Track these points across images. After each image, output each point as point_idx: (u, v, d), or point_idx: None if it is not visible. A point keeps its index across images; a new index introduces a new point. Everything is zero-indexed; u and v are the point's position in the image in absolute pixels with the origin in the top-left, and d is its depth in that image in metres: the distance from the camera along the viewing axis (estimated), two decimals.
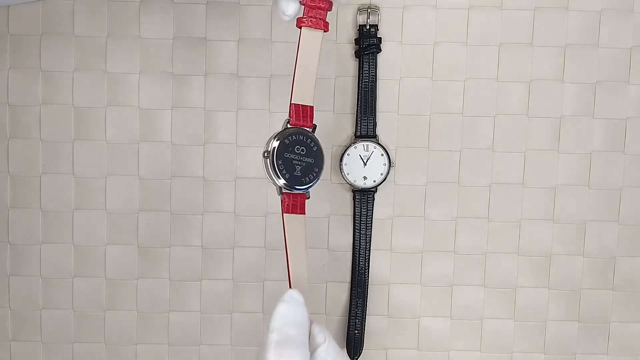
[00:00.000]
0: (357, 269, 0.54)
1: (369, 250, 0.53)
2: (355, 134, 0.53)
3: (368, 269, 0.54)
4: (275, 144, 0.40)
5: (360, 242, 0.53)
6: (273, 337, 0.35)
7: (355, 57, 0.52)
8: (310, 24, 0.41)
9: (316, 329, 0.37)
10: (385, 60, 0.53)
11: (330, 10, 0.42)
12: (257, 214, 0.54)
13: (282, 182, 0.40)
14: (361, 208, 0.53)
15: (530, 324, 0.55)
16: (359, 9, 0.52)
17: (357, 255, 0.53)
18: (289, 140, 0.40)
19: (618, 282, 0.55)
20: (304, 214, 0.41)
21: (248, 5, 0.52)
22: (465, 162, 0.54)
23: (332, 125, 0.53)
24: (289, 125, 0.41)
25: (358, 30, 0.52)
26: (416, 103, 0.53)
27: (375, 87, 0.52)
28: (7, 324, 0.54)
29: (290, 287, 0.39)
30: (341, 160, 0.52)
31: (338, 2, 0.43)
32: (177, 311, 0.55)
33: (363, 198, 0.53)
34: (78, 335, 0.55)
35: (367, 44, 0.52)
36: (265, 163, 0.40)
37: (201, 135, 0.53)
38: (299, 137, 0.41)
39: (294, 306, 0.36)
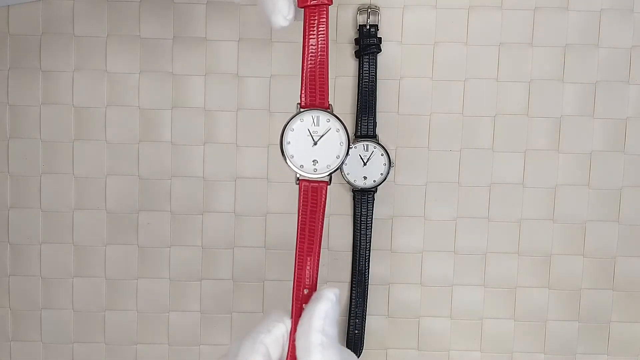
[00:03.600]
0: (357, 269, 0.54)
1: (369, 250, 0.53)
2: (355, 134, 0.53)
3: (368, 269, 0.54)
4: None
5: (360, 242, 0.53)
6: (318, 337, 0.34)
7: (355, 57, 0.52)
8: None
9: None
10: (385, 60, 0.53)
11: None
12: (257, 214, 0.54)
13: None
14: (361, 208, 0.53)
15: (530, 324, 0.55)
16: (359, 9, 0.52)
17: (357, 255, 0.53)
18: None
19: (618, 282, 0.54)
20: None
21: (248, 5, 0.52)
22: (465, 162, 0.54)
23: None
24: None
25: (358, 30, 0.52)
26: (416, 103, 0.53)
27: (375, 87, 0.52)
28: (7, 324, 0.54)
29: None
30: None
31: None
32: (177, 311, 0.55)
33: (363, 198, 0.53)
34: (78, 335, 0.55)
35: (367, 44, 0.52)
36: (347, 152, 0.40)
37: (201, 135, 0.53)
38: None
39: (334, 305, 0.35)
